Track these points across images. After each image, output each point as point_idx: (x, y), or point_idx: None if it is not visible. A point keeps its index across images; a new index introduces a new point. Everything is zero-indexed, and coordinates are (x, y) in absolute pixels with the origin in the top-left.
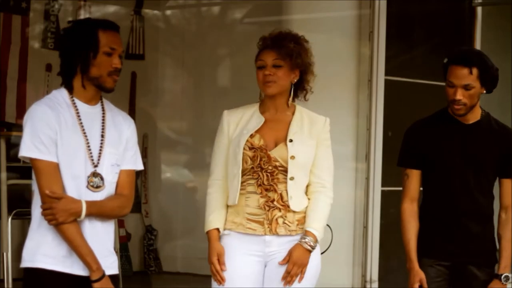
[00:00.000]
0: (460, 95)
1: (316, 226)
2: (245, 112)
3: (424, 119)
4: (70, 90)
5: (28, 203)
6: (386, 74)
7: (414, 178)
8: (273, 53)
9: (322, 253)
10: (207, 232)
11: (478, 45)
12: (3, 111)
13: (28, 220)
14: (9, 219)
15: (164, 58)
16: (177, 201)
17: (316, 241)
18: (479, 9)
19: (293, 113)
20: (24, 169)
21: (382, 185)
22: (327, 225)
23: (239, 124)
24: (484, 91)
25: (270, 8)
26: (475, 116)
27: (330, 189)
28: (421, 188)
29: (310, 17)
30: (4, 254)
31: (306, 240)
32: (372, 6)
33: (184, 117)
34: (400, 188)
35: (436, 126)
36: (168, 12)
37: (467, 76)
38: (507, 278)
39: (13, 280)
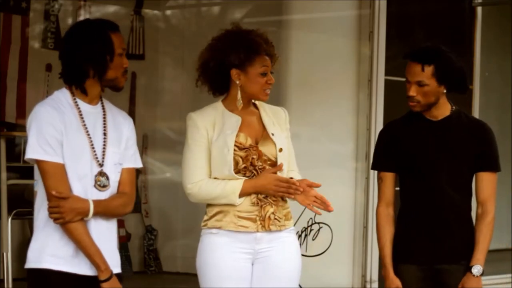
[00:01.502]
0: (413, 92)
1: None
2: (214, 112)
3: (395, 120)
4: (72, 91)
5: (28, 203)
6: (386, 74)
7: (388, 181)
8: (270, 60)
9: (322, 253)
10: (241, 191)
11: (478, 45)
12: (3, 111)
13: (28, 220)
14: (9, 219)
15: (164, 58)
16: (177, 201)
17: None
18: (479, 9)
19: (256, 108)
20: (24, 169)
21: None
22: (327, 225)
23: (216, 125)
24: (445, 90)
25: (270, 8)
26: (442, 113)
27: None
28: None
29: (310, 17)
30: (4, 254)
31: None
32: (372, 6)
33: (184, 117)
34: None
35: (407, 126)
36: (168, 12)
37: (419, 73)
38: (478, 270)
39: (13, 280)
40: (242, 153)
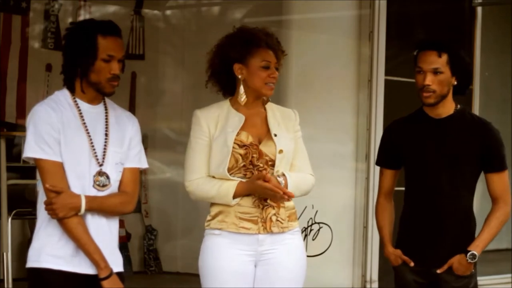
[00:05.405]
0: (429, 80)
1: (290, 175)
2: (219, 110)
3: (401, 119)
4: (72, 91)
5: (28, 203)
6: (386, 74)
7: (387, 175)
8: (274, 56)
9: (322, 253)
10: (235, 193)
11: (478, 45)
12: (3, 111)
13: (28, 220)
14: (9, 219)
15: (164, 58)
16: (177, 201)
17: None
18: (479, 9)
19: (264, 108)
20: (24, 169)
21: None
22: (327, 225)
23: (218, 123)
24: (455, 83)
25: (270, 8)
26: (447, 111)
27: (312, 176)
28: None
29: (310, 17)
30: (4, 254)
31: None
32: (372, 6)
33: (184, 117)
34: (401, 188)
35: (410, 124)
36: (168, 12)
37: (436, 60)
38: (473, 256)
39: (13, 280)
40: (242, 151)
